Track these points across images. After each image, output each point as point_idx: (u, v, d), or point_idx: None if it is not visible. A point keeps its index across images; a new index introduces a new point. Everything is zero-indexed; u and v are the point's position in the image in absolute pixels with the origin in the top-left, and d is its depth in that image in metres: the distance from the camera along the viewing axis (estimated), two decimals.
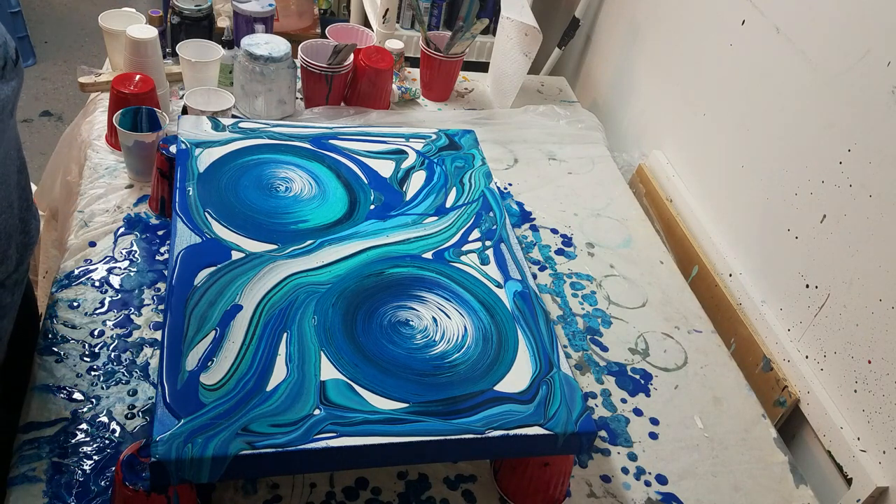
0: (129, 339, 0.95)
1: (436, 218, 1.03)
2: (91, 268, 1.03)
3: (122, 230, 1.10)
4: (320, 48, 1.41)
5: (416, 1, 1.60)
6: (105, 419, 0.86)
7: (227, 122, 1.11)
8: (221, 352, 0.79)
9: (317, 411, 0.75)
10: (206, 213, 0.95)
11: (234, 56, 1.37)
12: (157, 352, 0.94)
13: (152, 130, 1.16)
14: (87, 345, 0.94)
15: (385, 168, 1.10)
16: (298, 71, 1.39)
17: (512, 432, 0.77)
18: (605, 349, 1.10)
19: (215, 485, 0.82)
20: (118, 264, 1.05)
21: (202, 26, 1.54)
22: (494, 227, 1.04)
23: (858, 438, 1.02)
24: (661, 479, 0.94)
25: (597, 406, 1.02)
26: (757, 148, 1.24)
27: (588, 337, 1.12)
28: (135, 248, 1.08)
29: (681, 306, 1.21)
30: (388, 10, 1.82)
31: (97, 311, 0.98)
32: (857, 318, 1.03)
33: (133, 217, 1.12)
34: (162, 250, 1.08)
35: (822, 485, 1.05)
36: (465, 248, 0.99)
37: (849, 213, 1.05)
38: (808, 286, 1.12)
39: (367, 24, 2.00)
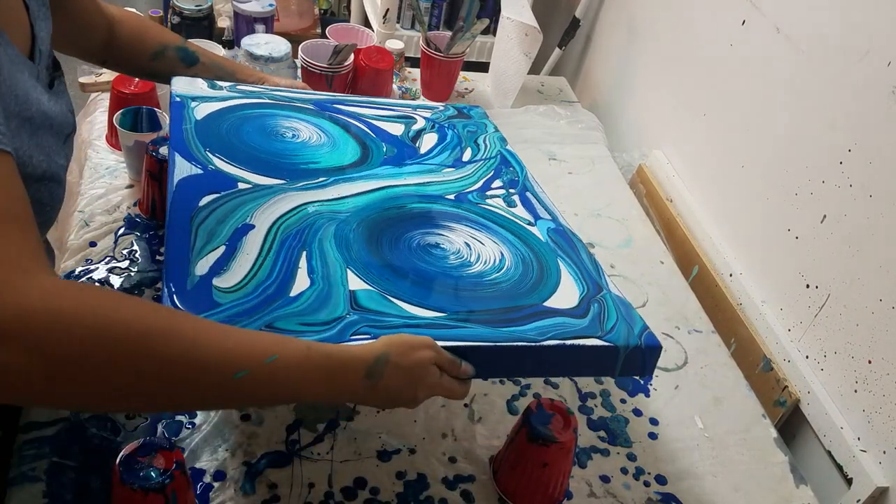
0: None
1: (453, 169, 0.96)
2: (91, 267, 1.03)
3: (122, 230, 1.10)
4: (320, 48, 1.41)
5: (417, 1, 1.60)
6: (105, 418, 0.86)
7: (224, 84, 1.03)
8: (235, 262, 0.70)
9: (349, 315, 0.67)
10: (207, 152, 0.85)
11: (234, 56, 1.37)
12: None
13: (152, 130, 1.16)
14: None
15: (395, 129, 1.03)
16: (299, 71, 1.39)
17: (569, 342, 0.69)
18: None
19: (213, 485, 0.82)
20: (119, 264, 1.05)
21: (202, 26, 1.54)
22: (517, 178, 0.96)
23: (859, 438, 1.02)
24: (661, 480, 0.94)
25: (596, 406, 1.02)
26: (757, 148, 1.24)
27: None
28: (135, 247, 1.08)
29: (681, 306, 1.21)
30: (388, 10, 1.83)
31: None
32: (857, 318, 1.03)
33: (133, 217, 1.12)
34: (162, 250, 1.08)
35: (822, 485, 1.05)
36: (489, 192, 0.91)
37: (849, 214, 1.04)
38: (808, 286, 1.12)
39: (367, 24, 2.01)
